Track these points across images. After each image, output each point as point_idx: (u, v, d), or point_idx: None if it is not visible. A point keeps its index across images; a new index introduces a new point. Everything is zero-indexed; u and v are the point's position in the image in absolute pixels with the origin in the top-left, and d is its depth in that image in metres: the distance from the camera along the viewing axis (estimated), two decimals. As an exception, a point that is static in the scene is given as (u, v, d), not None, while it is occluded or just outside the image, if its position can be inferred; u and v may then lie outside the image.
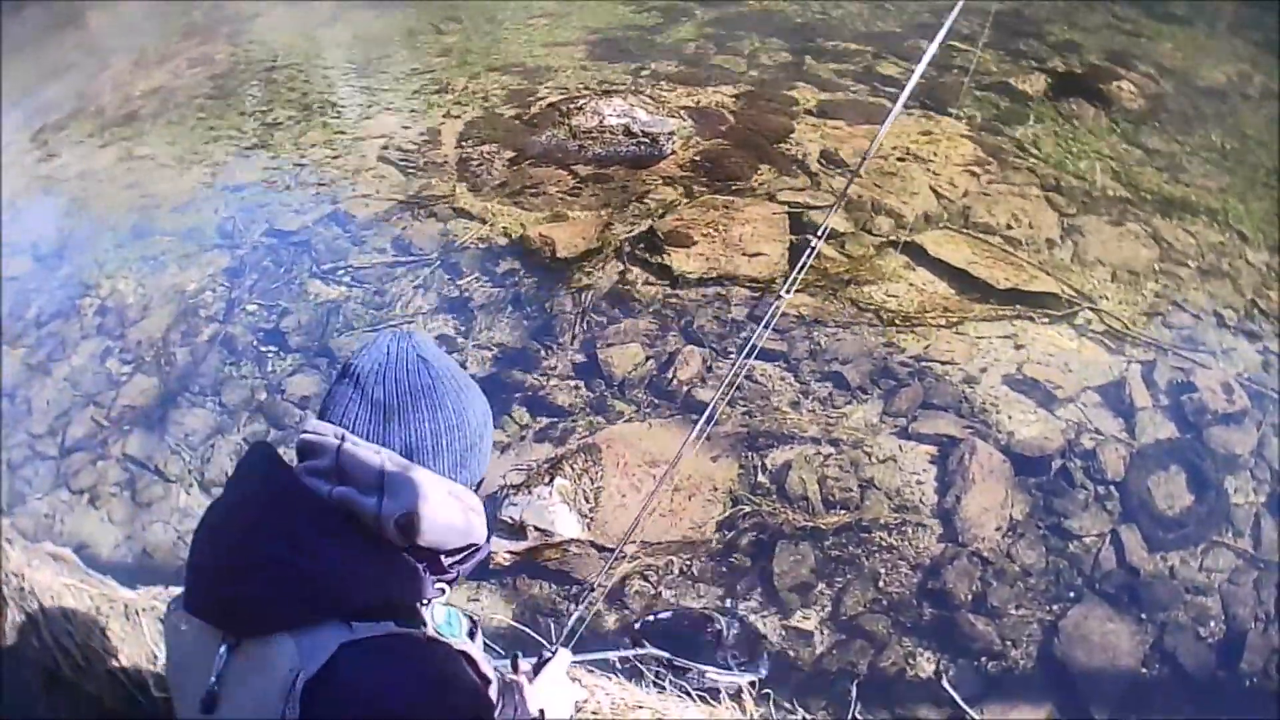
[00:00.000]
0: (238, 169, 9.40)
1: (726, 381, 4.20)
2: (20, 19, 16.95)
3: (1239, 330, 6.75)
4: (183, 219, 8.61)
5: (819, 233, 4.03)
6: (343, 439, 1.96)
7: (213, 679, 1.85)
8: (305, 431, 2.02)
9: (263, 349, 6.83)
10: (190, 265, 7.93)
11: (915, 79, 3.70)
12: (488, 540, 2.19)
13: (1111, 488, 5.47)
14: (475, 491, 2.15)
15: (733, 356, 6.23)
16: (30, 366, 7.26)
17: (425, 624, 2.12)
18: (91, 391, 6.92)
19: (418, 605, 2.12)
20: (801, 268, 3.77)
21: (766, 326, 3.63)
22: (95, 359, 7.23)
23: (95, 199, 9.36)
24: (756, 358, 6.16)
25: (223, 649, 1.87)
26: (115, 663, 3.85)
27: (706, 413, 3.51)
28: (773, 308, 3.67)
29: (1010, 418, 5.84)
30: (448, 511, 2.02)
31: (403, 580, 2.02)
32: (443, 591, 2.16)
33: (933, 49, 3.79)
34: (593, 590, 3.63)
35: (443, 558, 2.10)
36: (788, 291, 3.69)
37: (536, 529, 5.08)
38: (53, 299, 8.00)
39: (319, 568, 1.88)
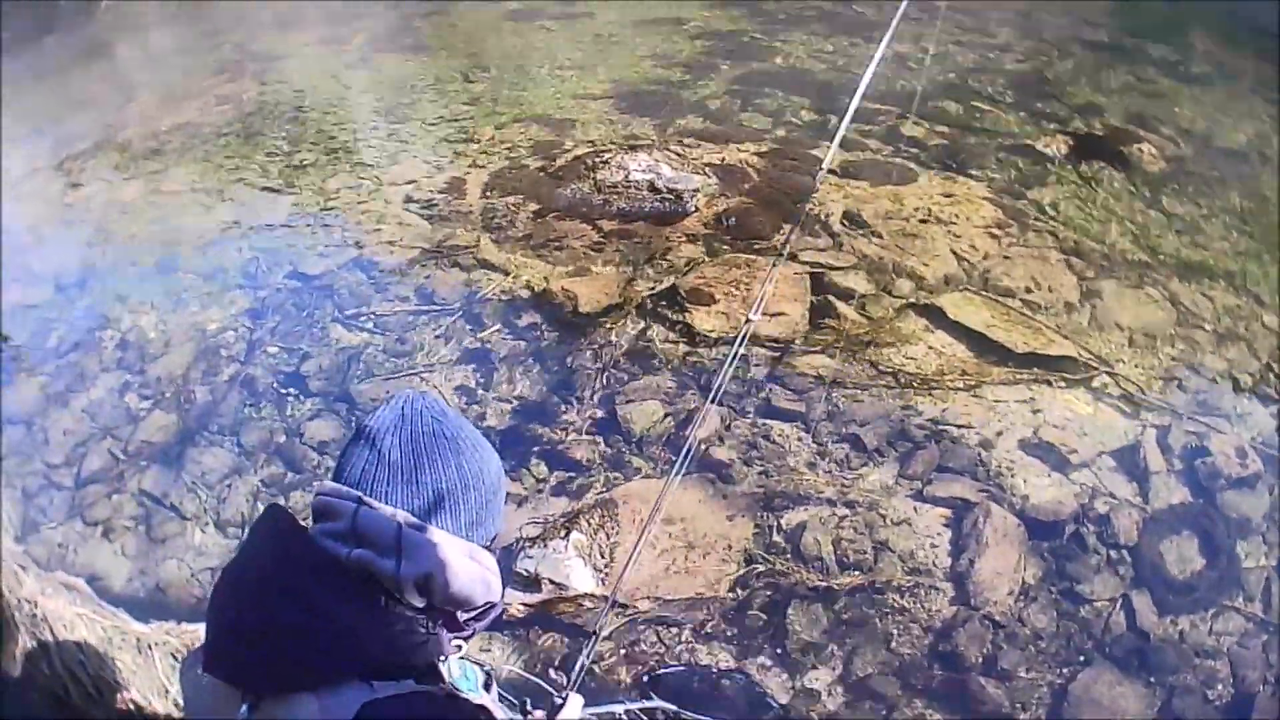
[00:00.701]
0: (262, 209, 9.48)
1: (711, 398, 4.25)
2: (41, 49, 17.12)
3: (1254, 394, 6.79)
4: (206, 257, 8.69)
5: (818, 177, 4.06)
6: (359, 501, 1.99)
7: None
8: (322, 494, 2.04)
9: (283, 391, 6.89)
10: (212, 304, 7.99)
11: (868, 75, 3.77)
12: (502, 597, 2.24)
13: (1124, 552, 5.49)
14: (490, 547, 2.20)
15: (746, 411, 6.31)
16: (49, 396, 7.31)
17: (443, 678, 2.11)
18: (109, 425, 6.96)
19: (435, 661, 2.10)
20: (792, 231, 3.83)
21: (740, 344, 3.67)
22: (114, 392, 7.27)
23: (119, 232, 9.45)
24: (774, 418, 6.25)
25: (244, 708, 1.89)
26: (126, 694, 3.90)
27: (685, 447, 3.55)
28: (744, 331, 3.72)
29: (1025, 481, 5.88)
30: (466, 572, 2.06)
31: (420, 640, 2.03)
32: (459, 648, 2.22)
33: (884, 44, 3.87)
34: (597, 635, 3.65)
35: (459, 614, 2.14)
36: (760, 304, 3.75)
37: (551, 582, 5.14)
38: (73, 329, 8.06)
39: (338, 629, 1.90)
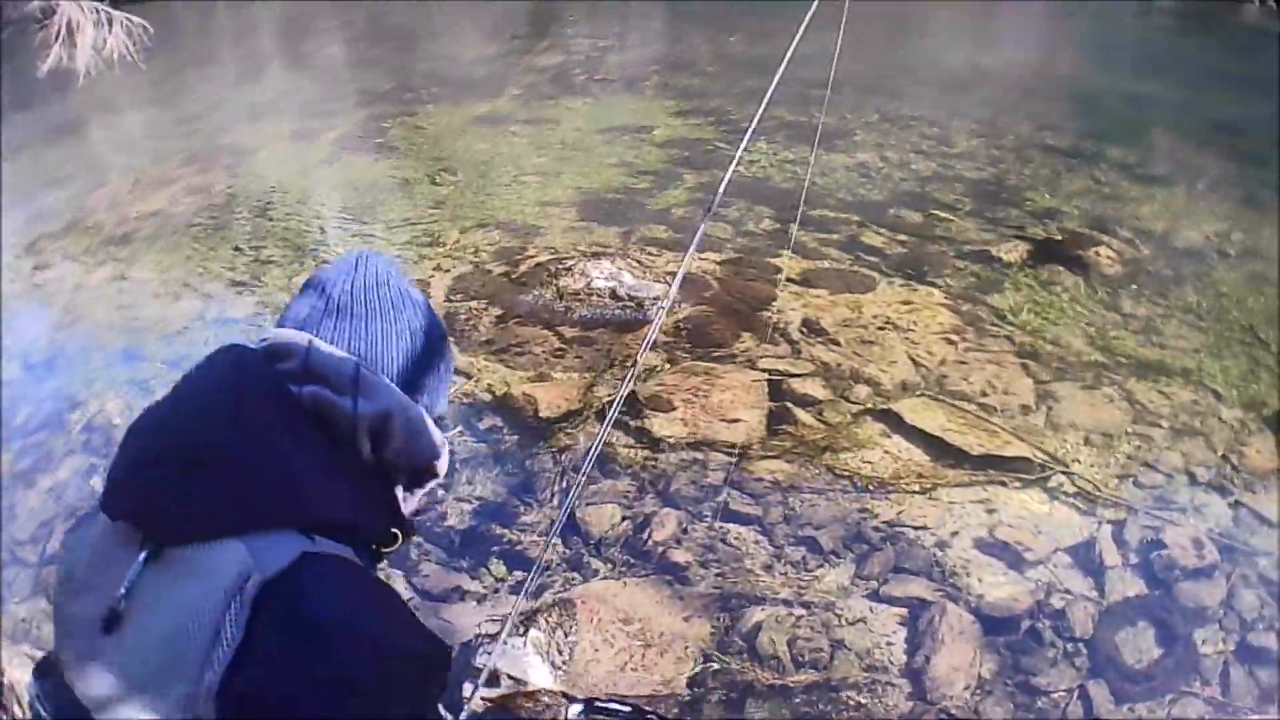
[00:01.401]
0: (228, 303, 9.57)
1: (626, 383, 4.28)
2: (13, 123, 17.27)
3: (1210, 487, 6.85)
4: (171, 347, 8.75)
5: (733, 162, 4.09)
6: (310, 342, 1.89)
7: (122, 591, 1.65)
8: (268, 338, 1.93)
9: None
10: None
11: (775, 82, 3.85)
12: (448, 475, 2.19)
13: (1080, 644, 5.53)
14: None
15: (703, 515, 6.36)
16: (15, 473, 7.34)
17: (379, 558, 2.02)
18: (74, 505, 6.94)
19: (378, 532, 1.97)
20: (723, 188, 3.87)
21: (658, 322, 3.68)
22: (80, 475, 7.28)
23: (86, 316, 9.52)
24: (732, 521, 6.31)
25: (141, 556, 1.67)
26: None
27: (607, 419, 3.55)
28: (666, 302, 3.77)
29: (981, 580, 5.93)
30: (419, 421, 1.98)
31: (368, 501, 1.91)
32: (396, 538, 2.01)
33: (792, 47, 3.96)
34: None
35: (400, 487, 2.03)
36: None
37: (510, 677, 5.17)
38: (40, 409, 8.11)
39: (288, 470, 1.75)
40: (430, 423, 2.03)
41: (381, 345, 1.97)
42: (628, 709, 3.17)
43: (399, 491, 2.03)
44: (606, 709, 3.16)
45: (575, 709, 3.11)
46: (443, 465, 2.08)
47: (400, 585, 5.92)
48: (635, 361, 3.76)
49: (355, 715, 1.63)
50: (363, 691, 1.63)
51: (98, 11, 19.23)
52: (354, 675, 1.63)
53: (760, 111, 3.79)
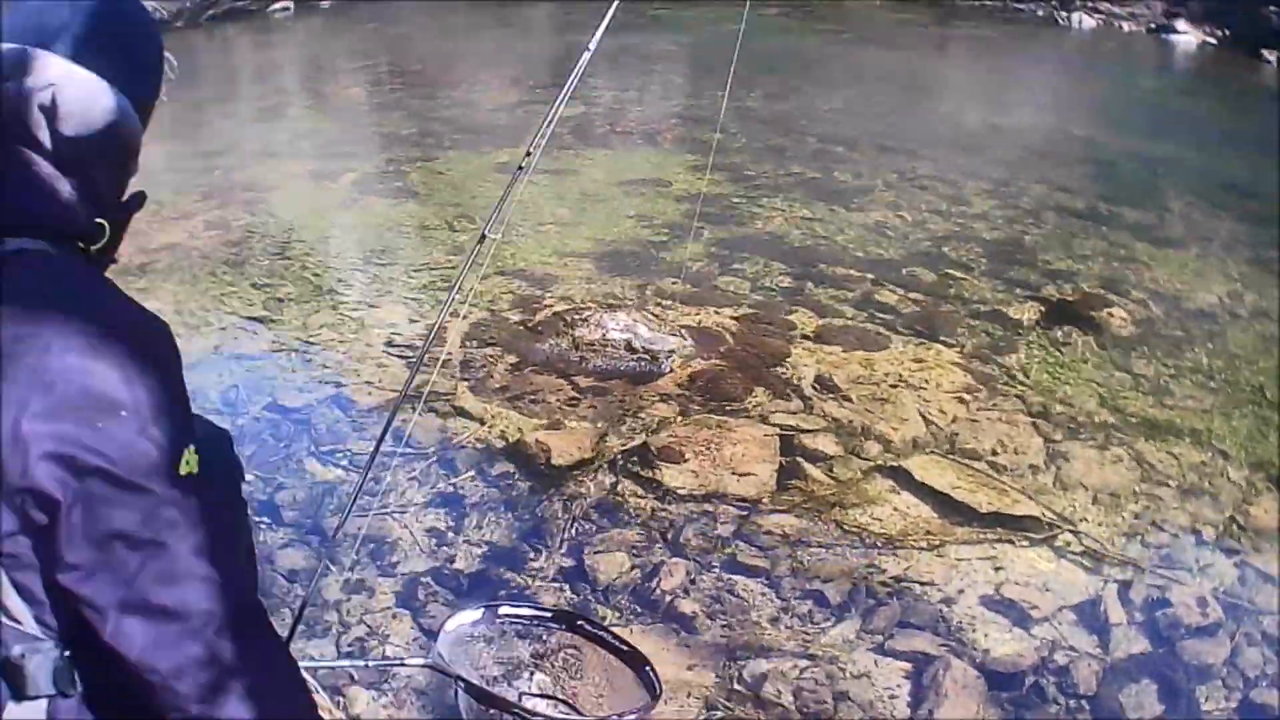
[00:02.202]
0: (244, 339, 9.59)
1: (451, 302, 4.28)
2: None
3: (1217, 546, 6.92)
4: (187, 380, 8.68)
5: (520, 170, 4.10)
6: None
7: None
8: None
9: (256, 519, 6.88)
10: None
11: (579, 71, 3.90)
12: (139, 203, 2.07)
13: (1083, 701, 5.58)
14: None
15: (711, 567, 6.41)
16: None
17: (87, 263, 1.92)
18: None
19: (80, 246, 1.89)
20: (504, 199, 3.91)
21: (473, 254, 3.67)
22: None
23: None
24: (739, 573, 6.36)
25: None
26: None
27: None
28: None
29: (986, 636, 5.97)
30: (96, 92, 1.85)
31: (56, 191, 1.82)
32: (103, 230, 1.92)
33: (596, 39, 4.03)
34: None
35: (104, 174, 1.95)
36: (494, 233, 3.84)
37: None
38: None
39: None
40: (113, 93, 1.89)
41: (67, 24, 1.85)
42: (527, 609, 3.22)
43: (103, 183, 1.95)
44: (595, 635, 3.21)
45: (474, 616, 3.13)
46: (134, 159, 2.02)
47: (406, 625, 5.98)
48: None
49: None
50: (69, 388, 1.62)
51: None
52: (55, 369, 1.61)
53: (549, 127, 3.86)
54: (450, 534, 6.84)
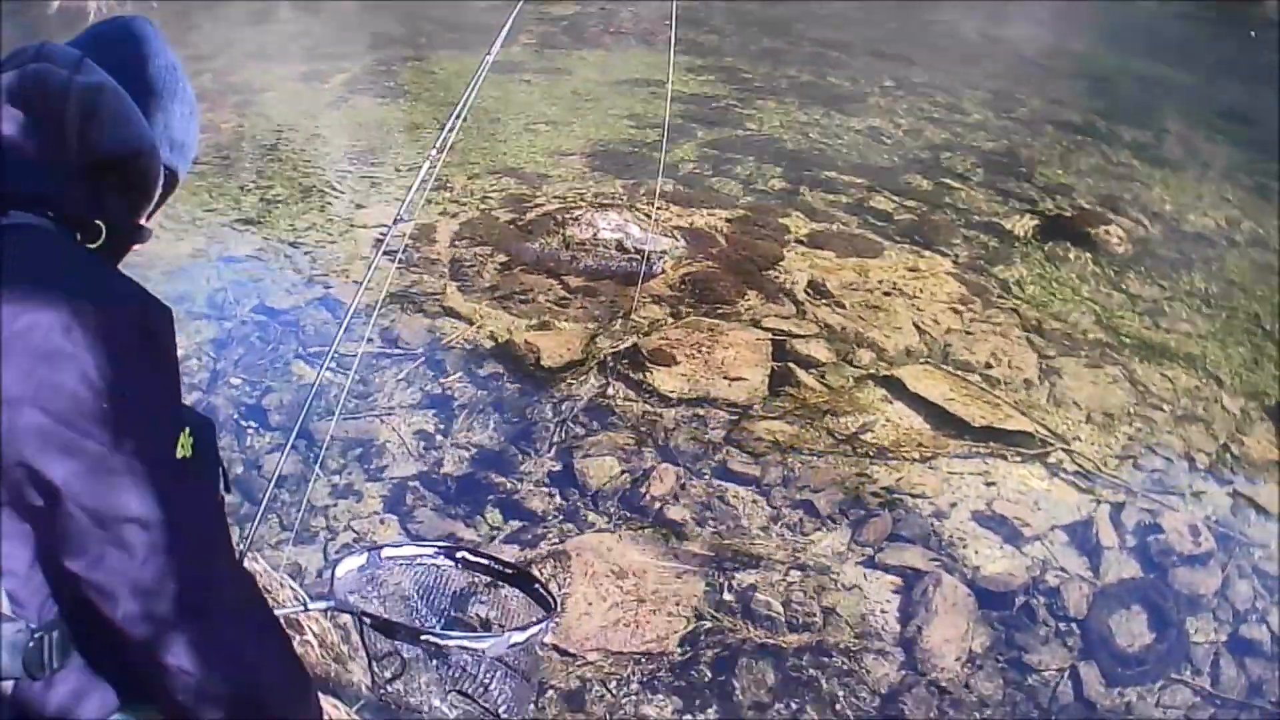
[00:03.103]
0: (233, 241, 9.44)
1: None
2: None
3: (1209, 474, 6.85)
4: (174, 284, 8.52)
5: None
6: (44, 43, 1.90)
7: None
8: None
9: (243, 424, 6.80)
10: (179, 331, 7.80)
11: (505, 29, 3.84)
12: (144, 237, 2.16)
13: (1073, 624, 5.52)
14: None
15: (702, 473, 6.32)
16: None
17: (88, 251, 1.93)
18: None
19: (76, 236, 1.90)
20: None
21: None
22: None
23: None
24: (730, 480, 6.27)
25: None
26: None
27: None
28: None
29: (977, 553, 5.90)
30: (131, 109, 1.96)
31: (66, 182, 1.86)
32: (100, 230, 1.93)
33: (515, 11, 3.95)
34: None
35: (113, 189, 1.98)
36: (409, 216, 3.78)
37: (501, 626, 5.13)
38: None
39: None
40: (147, 127, 2.00)
41: (116, 61, 1.98)
42: (409, 548, 3.19)
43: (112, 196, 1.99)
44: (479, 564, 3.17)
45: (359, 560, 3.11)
46: (153, 175, 2.08)
47: (394, 529, 5.88)
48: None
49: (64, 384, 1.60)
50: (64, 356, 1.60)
51: (110, -55, 19.06)
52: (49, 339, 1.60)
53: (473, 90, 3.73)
54: (438, 437, 6.73)
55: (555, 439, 6.66)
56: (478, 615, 3.42)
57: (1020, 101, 14.78)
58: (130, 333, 1.72)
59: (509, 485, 6.26)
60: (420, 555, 3.29)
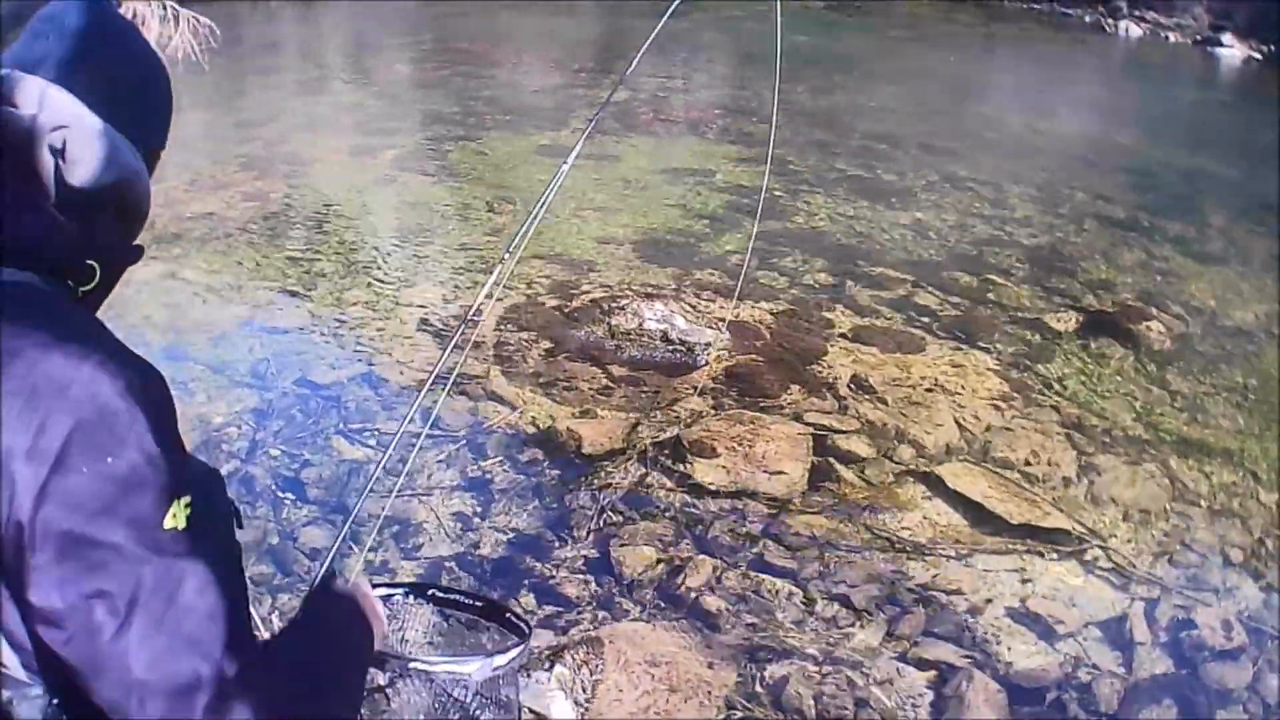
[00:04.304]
0: (277, 312, 9.61)
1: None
2: None
3: (1244, 569, 6.88)
4: (216, 351, 8.76)
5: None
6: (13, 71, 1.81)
7: None
8: None
9: (280, 495, 6.92)
10: (219, 398, 8.00)
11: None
12: (136, 257, 2.03)
13: (1104, 719, 5.57)
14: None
15: (738, 564, 6.40)
16: None
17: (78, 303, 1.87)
18: None
19: (69, 284, 1.84)
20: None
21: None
22: None
23: (133, 310, 9.38)
24: (766, 573, 6.35)
25: None
26: None
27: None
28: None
29: (1010, 649, 5.94)
30: (108, 139, 1.86)
31: (54, 226, 1.79)
32: (93, 272, 1.88)
33: (646, 46, 4.04)
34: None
35: (105, 221, 1.93)
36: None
37: (532, 711, 5.22)
38: None
39: None
40: (126, 146, 1.92)
41: (83, 67, 1.86)
42: (472, 600, 3.26)
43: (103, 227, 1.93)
44: (450, 600, 3.25)
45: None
46: (143, 206, 2.03)
47: (426, 609, 5.96)
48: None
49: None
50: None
51: (165, 7, 19.39)
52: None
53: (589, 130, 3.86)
54: (476, 519, 6.83)
55: (593, 526, 6.75)
56: (454, 649, 3.51)
57: (1065, 196, 14.85)
58: (121, 397, 1.65)
59: (545, 570, 6.35)
60: (393, 594, 3.38)
